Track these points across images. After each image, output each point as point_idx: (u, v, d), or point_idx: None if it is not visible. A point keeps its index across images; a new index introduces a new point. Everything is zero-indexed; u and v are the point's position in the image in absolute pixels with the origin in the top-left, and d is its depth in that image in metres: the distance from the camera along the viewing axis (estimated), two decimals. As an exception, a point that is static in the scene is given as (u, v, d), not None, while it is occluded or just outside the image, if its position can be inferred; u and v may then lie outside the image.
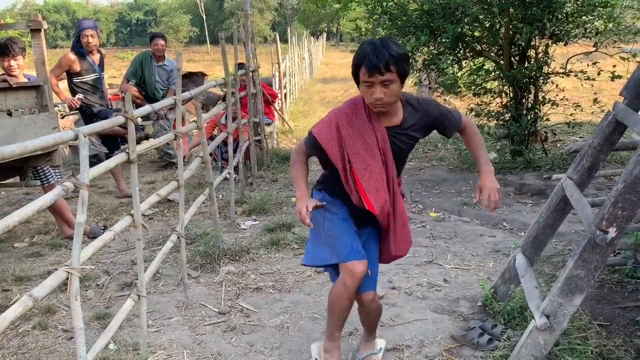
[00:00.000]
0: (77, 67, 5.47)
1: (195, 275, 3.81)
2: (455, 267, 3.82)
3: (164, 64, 6.67)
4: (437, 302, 3.32)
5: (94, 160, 5.11)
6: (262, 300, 3.44)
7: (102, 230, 4.44)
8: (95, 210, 5.33)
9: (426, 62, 6.53)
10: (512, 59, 6.29)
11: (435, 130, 2.43)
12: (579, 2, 5.98)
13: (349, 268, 2.34)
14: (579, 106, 6.30)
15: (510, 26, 6.03)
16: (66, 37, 54.39)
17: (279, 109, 9.78)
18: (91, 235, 4.40)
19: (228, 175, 5.07)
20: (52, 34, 55.53)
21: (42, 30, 4.13)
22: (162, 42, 6.62)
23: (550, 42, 6.14)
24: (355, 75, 2.21)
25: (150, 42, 6.68)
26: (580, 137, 7.53)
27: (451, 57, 6.53)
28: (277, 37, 11.32)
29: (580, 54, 6.17)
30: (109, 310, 3.33)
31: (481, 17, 6.22)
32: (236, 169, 5.45)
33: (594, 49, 6.06)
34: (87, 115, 5.59)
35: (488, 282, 3.36)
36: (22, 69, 4.57)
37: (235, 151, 5.55)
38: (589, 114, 6.77)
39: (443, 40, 6.19)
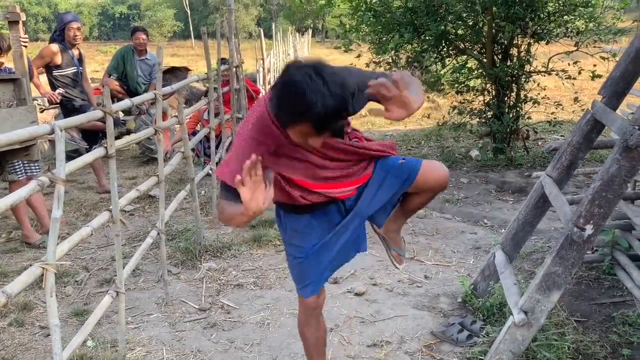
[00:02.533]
0: (58, 59, 5.38)
1: (175, 272, 3.78)
2: (436, 263, 3.84)
3: (146, 58, 6.59)
4: (418, 298, 3.33)
5: (75, 155, 5.02)
6: (243, 297, 3.43)
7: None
8: (75, 206, 5.26)
9: (409, 60, 6.54)
10: (495, 57, 6.33)
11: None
12: (560, 2, 6.04)
13: (303, 301, 2.22)
14: (560, 105, 6.38)
15: (493, 24, 6.06)
16: (47, 30, 53.54)
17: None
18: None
19: (210, 171, 5.03)
20: (34, 27, 54.64)
21: (20, 22, 4.05)
22: (143, 36, 6.53)
23: (532, 40, 6.19)
24: (284, 123, 1.71)
25: (132, 36, 6.59)
26: (561, 136, 7.61)
27: (434, 55, 6.56)
28: (262, 32, 11.26)
29: (561, 53, 6.23)
30: (88, 307, 3.29)
31: (464, 15, 6.25)
32: (218, 164, 5.42)
33: (575, 48, 6.13)
34: (68, 109, 5.51)
35: (468, 279, 3.38)
36: (2, 65, 4.49)
37: (217, 147, 5.51)
38: (570, 112, 6.86)
39: (426, 37, 6.22)
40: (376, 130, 9.36)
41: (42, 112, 6.39)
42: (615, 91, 2.68)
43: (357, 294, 3.39)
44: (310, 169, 1.93)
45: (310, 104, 1.57)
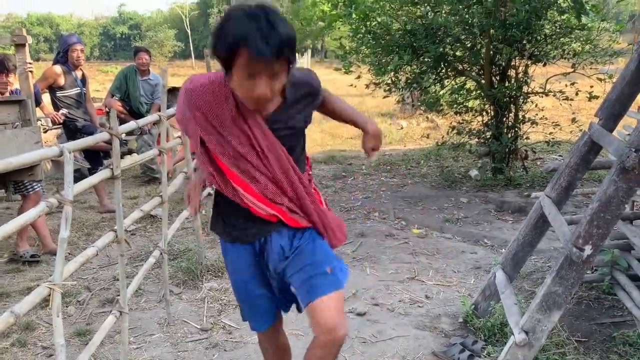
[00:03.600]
0: (61, 80, 5.45)
1: (177, 292, 3.79)
2: (437, 283, 3.86)
3: (149, 78, 6.69)
4: (419, 318, 3.34)
5: (77, 174, 5.09)
6: (245, 317, 3.43)
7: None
8: (77, 226, 5.28)
9: (409, 81, 6.63)
10: (493, 78, 6.42)
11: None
12: (557, 25, 6.14)
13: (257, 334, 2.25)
14: (558, 125, 6.45)
15: (491, 47, 6.16)
16: (49, 50, 54.05)
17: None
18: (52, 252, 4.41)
19: (211, 191, 5.06)
20: (35, 47, 55.09)
21: (27, 44, 4.13)
22: (146, 56, 6.64)
23: (529, 62, 6.28)
24: (227, 59, 1.60)
25: (135, 57, 6.70)
26: (559, 156, 7.67)
27: (433, 76, 6.64)
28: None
29: (558, 74, 6.32)
30: (90, 327, 3.30)
31: (462, 37, 6.35)
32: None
33: (572, 69, 6.22)
34: (71, 129, 5.57)
35: (469, 299, 3.40)
36: (12, 85, 4.56)
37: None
38: (568, 132, 6.92)
39: (425, 59, 6.30)
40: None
41: (45, 132, 6.45)
42: (611, 113, 2.73)
43: (358, 314, 3.40)
44: (240, 156, 1.81)
45: (250, 24, 1.55)
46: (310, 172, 2.07)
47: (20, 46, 4.11)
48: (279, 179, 1.84)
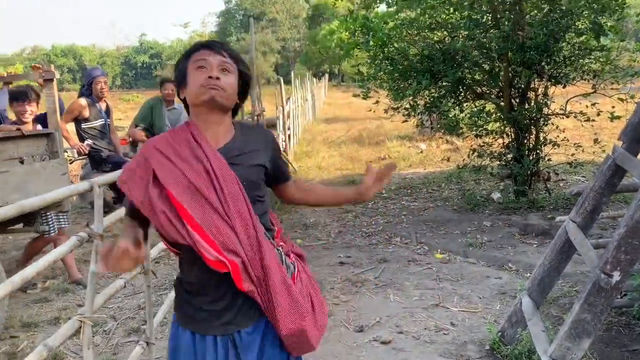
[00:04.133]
0: (86, 113, 5.60)
1: (202, 320, 3.81)
2: (462, 309, 3.82)
3: (174, 108, 6.83)
4: (445, 346, 3.31)
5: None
6: (269, 345, 3.43)
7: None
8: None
9: (427, 105, 6.65)
10: (513, 101, 6.41)
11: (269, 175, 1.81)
12: (575, 47, 6.13)
13: None
14: (580, 146, 6.39)
15: (510, 70, 6.17)
16: (72, 81, 55.41)
17: (283, 151, 9.89)
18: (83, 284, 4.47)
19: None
20: (59, 78, 56.64)
21: (55, 80, 4.26)
22: (172, 87, 6.78)
23: (549, 84, 6.27)
24: (183, 68, 1.72)
25: (161, 87, 6.84)
26: (582, 177, 7.59)
27: (452, 100, 6.66)
28: (282, 81, 11.54)
29: (579, 95, 6.28)
30: (117, 357, 3.33)
31: (481, 61, 6.37)
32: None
33: (593, 90, 6.18)
34: (96, 160, 5.69)
35: (495, 325, 3.35)
36: (34, 115, 4.71)
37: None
38: (591, 153, 6.85)
39: (444, 83, 6.33)
40: (395, 173, 9.41)
41: (71, 163, 6.59)
42: (635, 137, 2.72)
43: (383, 343, 3.37)
44: (195, 189, 1.63)
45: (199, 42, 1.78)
46: (282, 244, 1.80)
47: (48, 81, 4.24)
48: (233, 217, 1.62)
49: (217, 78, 1.66)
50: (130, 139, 6.69)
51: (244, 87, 1.78)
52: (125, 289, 4.43)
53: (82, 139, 5.67)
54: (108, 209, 4.01)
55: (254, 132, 1.81)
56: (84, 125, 5.66)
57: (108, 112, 5.87)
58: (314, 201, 1.96)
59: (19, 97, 4.58)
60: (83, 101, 5.61)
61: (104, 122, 5.74)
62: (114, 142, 5.90)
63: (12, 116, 4.91)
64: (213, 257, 1.59)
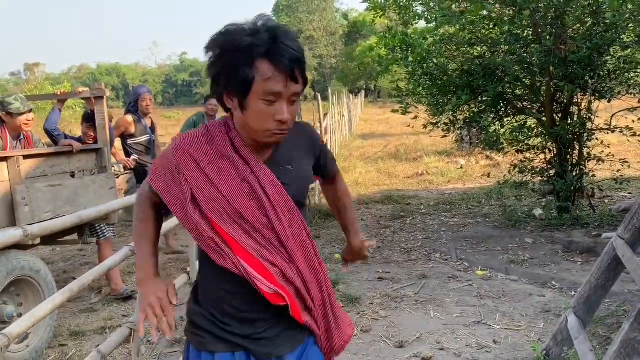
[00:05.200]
0: (132, 129, 5.78)
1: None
2: (504, 327, 3.75)
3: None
4: (488, 364, 3.25)
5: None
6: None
7: (128, 292, 4.62)
8: (145, 267, 5.48)
9: (467, 120, 6.61)
10: (555, 115, 6.31)
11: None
12: (620, 60, 6.01)
13: None
14: (626, 162, 6.21)
15: (552, 84, 6.08)
16: (116, 99, 57.17)
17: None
18: (119, 295, 4.58)
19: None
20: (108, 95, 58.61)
21: (105, 97, 4.43)
22: (215, 102, 7.04)
23: (593, 98, 6.15)
24: (244, 77, 1.36)
25: (205, 103, 7.13)
26: (629, 193, 7.37)
27: (492, 115, 6.60)
28: (319, 97, 11.66)
29: (624, 109, 6.14)
30: (161, 367, 3.40)
31: (522, 76, 6.30)
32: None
33: (639, 104, 6.03)
34: (141, 174, 5.86)
35: (540, 344, 3.28)
36: (95, 140, 4.91)
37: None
38: (637, 169, 6.66)
39: (484, 98, 6.28)
40: (434, 188, 9.35)
41: (117, 177, 6.81)
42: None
43: (423, 359, 3.34)
44: (240, 216, 1.43)
45: (255, 30, 1.36)
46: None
47: (99, 99, 4.42)
48: (290, 247, 1.46)
49: (287, 122, 1.39)
50: None
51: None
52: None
53: (128, 154, 5.85)
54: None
55: (294, 132, 1.50)
56: (130, 141, 5.84)
57: (153, 128, 6.04)
58: (334, 214, 1.89)
59: (92, 120, 4.76)
60: (130, 118, 5.80)
61: (149, 138, 5.91)
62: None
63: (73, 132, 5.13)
64: (270, 290, 1.42)
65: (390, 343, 3.59)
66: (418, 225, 6.84)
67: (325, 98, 17.22)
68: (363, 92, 41.32)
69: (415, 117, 6.78)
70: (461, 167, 10.76)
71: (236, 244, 1.41)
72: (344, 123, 19.67)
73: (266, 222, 1.43)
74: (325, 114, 12.98)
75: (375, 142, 17.54)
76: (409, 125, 7.13)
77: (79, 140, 4.73)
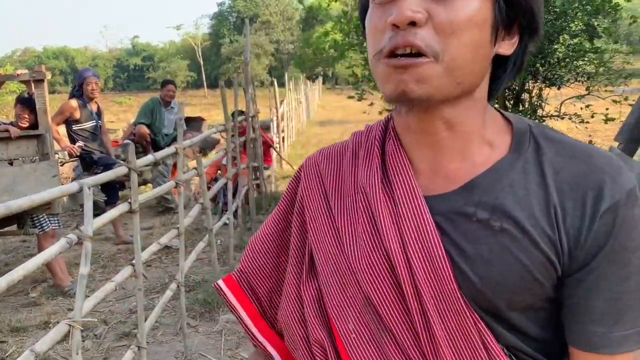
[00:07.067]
0: (77, 114, 5.53)
1: (194, 324, 3.76)
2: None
3: (171, 107, 6.96)
4: None
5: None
6: (263, 349, 3.38)
7: (73, 291, 4.43)
8: (93, 258, 5.28)
9: (422, 106, 6.62)
10: (507, 102, 6.40)
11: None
12: (570, 48, 6.13)
13: None
14: (574, 148, 6.37)
15: (504, 71, 6.15)
16: (64, 83, 55.17)
17: (277, 154, 9.86)
18: (64, 290, 4.42)
19: (227, 221, 5.06)
20: (51, 80, 56.37)
21: (45, 80, 4.20)
22: (173, 87, 7.01)
23: (543, 85, 6.27)
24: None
25: (162, 88, 7.00)
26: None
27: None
28: (275, 83, 11.52)
29: (573, 97, 6.29)
30: (107, 362, 3.27)
31: (475, 62, 6.35)
32: (235, 213, 5.45)
33: (587, 92, 6.19)
34: (87, 162, 5.63)
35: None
36: (29, 124, 4.64)
37: (234, 196, 5.56)
38: (585, 155, 6.84)
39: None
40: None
41: (62, 165, 6.52)
42: (631, 137, 2.71)
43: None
44: (367, 302, 0.76)
45: None
46: None
47: (39, 82, 4.18)
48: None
49: (413, 17, 0.67)
50: (134, 137, 6.75)
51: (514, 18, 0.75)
52: (116, 292, 4.39)
53: (73, 141, 5.60)
54: (98, 210, 3.95)
55: (559, 154, 0.76)
56: (74, 127, 5.59)
57: (99, 113, 5.80)
58: None
59: (26, 103, 4.51)
60: (74, 102, 5.54)
61: (95, 123, 5.67)
62: (106, 144, 5.84)
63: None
64: None
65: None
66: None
67: (282, 84, 17.07)
68: (320, 79, 41.21)
69: (372, 104, 6.75)
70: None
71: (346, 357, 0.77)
72: (302, 110, 19.57)
73: (404, 320, 0.74)
74: (282, 101, 12.86)
75: (332, 129, 17.53)
76: (365, 112, 7.10)
77: (11, 124, 4.48)
